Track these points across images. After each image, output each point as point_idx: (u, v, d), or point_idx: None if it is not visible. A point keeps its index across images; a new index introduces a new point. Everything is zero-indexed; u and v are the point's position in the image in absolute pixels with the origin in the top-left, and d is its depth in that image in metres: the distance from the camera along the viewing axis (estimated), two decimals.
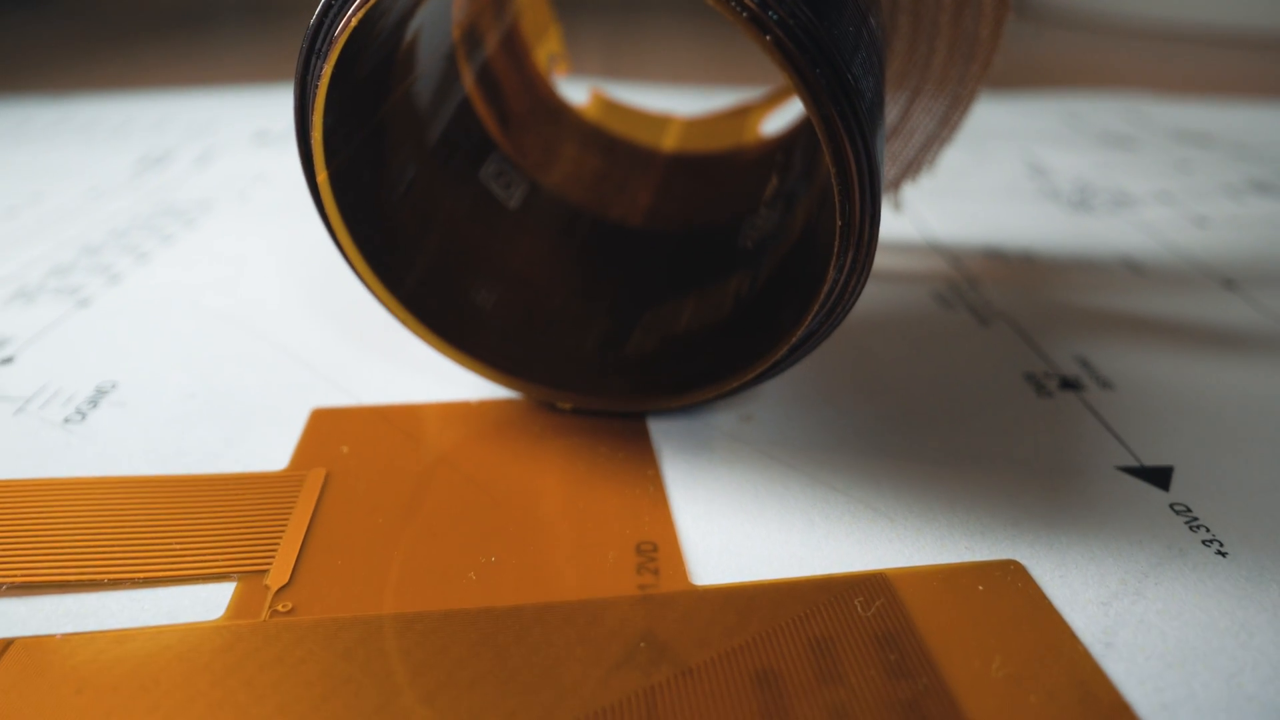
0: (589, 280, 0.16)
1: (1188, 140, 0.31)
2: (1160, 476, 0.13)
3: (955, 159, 0.29)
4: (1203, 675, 0.09)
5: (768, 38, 0.10)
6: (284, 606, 0.10)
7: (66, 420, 0.14)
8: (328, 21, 0.11)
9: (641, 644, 0.10)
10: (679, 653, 0.10)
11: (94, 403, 0.15)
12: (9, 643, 0.10)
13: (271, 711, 0.09)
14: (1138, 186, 0.26)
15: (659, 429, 0.14)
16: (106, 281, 0.19)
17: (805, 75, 0.10)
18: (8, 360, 0.16)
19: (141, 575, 0.11)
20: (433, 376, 0.15)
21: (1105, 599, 0.10)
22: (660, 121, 0.20)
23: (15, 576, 0.11)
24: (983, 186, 0.26)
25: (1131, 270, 0.20)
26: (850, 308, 0.12)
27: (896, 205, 0.19)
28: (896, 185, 0.17)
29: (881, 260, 0.20)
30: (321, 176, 0.12)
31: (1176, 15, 0.53)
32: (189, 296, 0.19)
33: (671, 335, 0.15)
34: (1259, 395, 0.15)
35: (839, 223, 0.11)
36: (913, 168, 0.17)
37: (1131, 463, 0.13)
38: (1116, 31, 0.54)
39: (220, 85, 0.40)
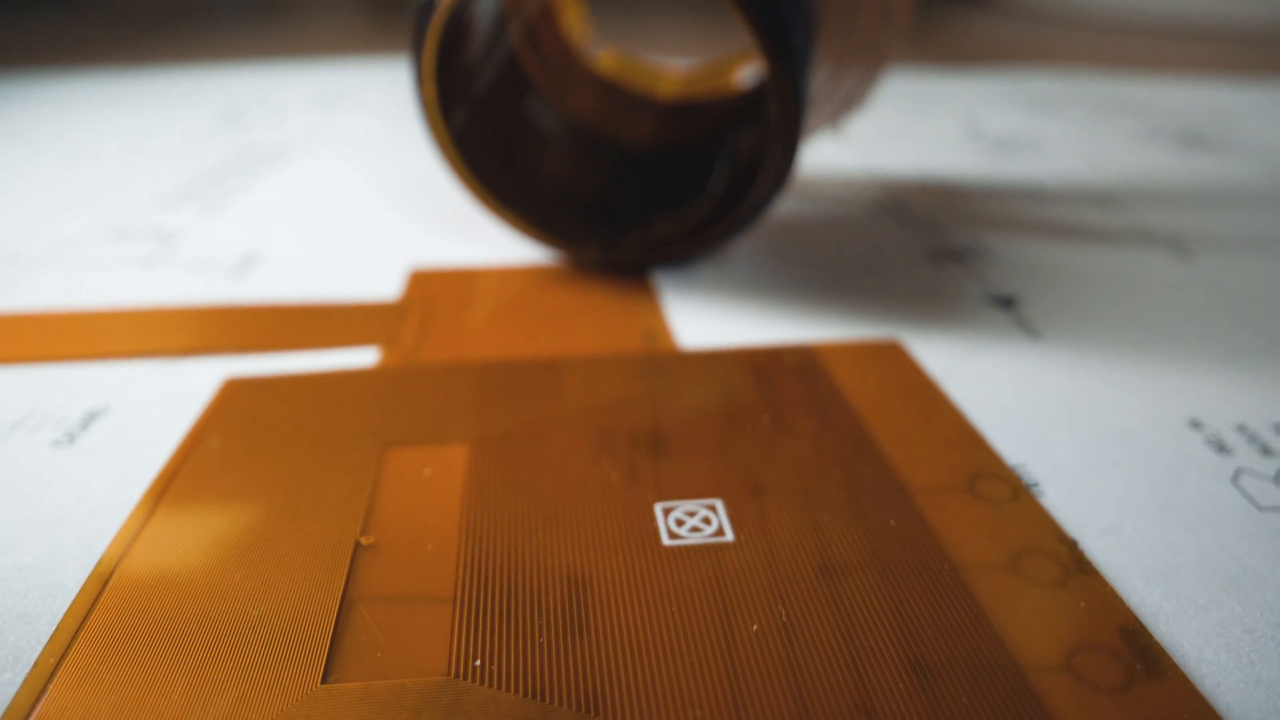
0: (601, 190, 0.22)
1: (1107, 105, 0.37)
2: (1007, 302, 0.18)
3: (903, 119, 0.34)
4: (1003, 388, 0.15)
5: None
6: (414, 358, 0.16)
7: (229, 274, 0.20)
8: None
9: (646, 369, 0.15)
10: (671, 373, 0.15)
11: (246, 264, 0.20)
12: (234, 380, 0.15)
13: (416, 403, 0.14)
14: (1053, 137, 0.32)
15: (658, 278, 0.19)
16: (225, 194, 0.25)
17: (753, 20, 0.15)
18: (170, 237, 0.21)
19: (313, 344, 0.16)
20: (493, 249, 0.21)
21: (951, 357, 0.16)
22: (658, 74, 0.25)
23: (229, 345, 0.16)
24: (924, 138, 0.32)
25: (1030, 195, 0.26)
26: (784, 183, 0.17)
27: (836, 133, 0.24)
28: (835, 118, 0.23)
29: (828, 189, 0.26)
30: (429, 92, 0.18)
31: (1127, 6, 0.58)
32: (296, 200, 0.24)
33: (653, 239, 0.20)
34: (1099, 264, 0.20)
35: (776, 113, 0.16)
36: (846, 103, 0.22)
37: (988, 294, 0.18)
38: (1074, 23, 0.60)
39: (259, 60, 0.45)
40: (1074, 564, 0.11)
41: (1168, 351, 0.16)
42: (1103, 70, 0.44)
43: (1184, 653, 0.10)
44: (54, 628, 0.10)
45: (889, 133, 0.32)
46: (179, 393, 0.15)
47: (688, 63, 0.40)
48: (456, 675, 0.09)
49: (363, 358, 0.16)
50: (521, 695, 0.09)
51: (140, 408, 0.14)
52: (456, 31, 0.19)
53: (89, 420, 0.14)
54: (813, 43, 0.18)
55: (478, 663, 0.09)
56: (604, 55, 0.25)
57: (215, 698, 0.09)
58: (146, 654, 0.09)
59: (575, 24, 0.25)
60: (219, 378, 0.15)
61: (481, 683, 0.09)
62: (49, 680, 0.09)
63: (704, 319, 0.17)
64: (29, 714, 0.09)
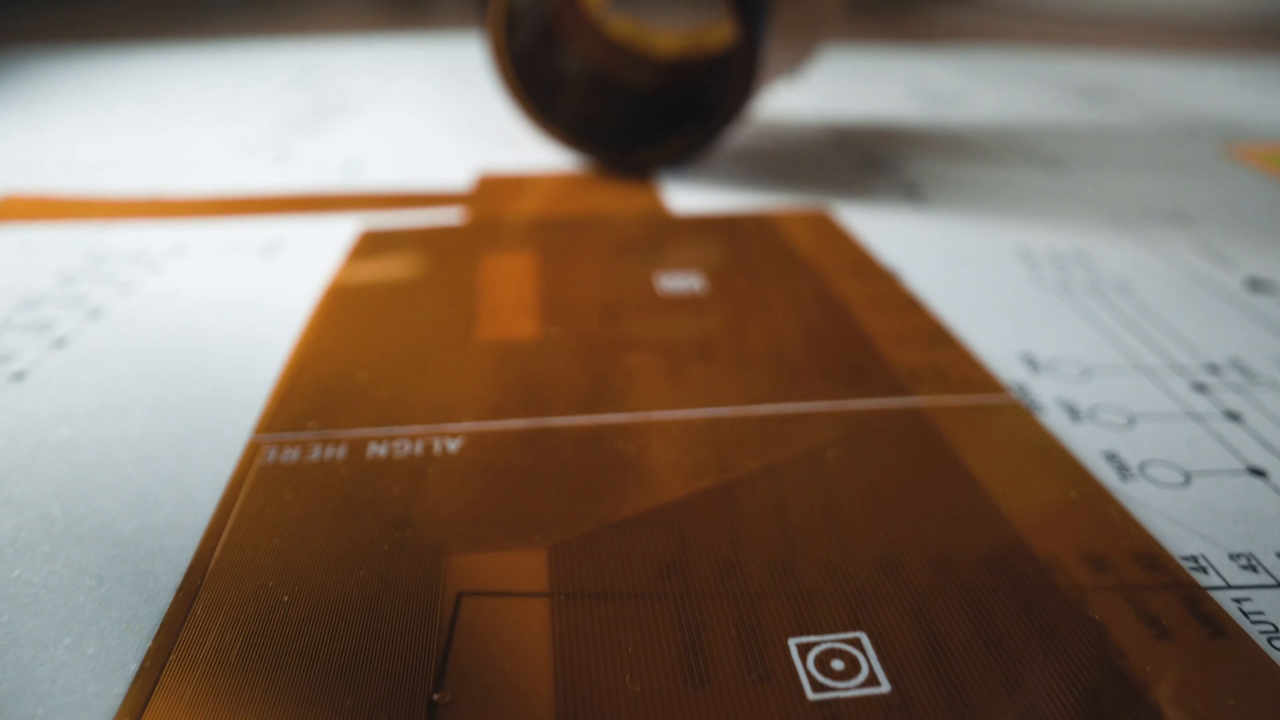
0: (614, 120, 0.29)
1: (1030, 70, 0.44)
2: (909, 188, 0.25)
3: (856, 86, 0.41)
4: (893, 234, 0.22)
5: None
6: (489, 218, 0.23)
7: (340, 172, 0.26)
8: None
9: (651, 222, 0.22)
10: (669, 226, 0.22)
11: (351, 167, 0.27)
12: (369, 232, 0.22)
13: (493, 239, 0.21)
14: (978, 94, 0.39)
15: (660, 179, 0.26)
16: (319, 126, 0.32)
17: None
18: (287, 150, 0.28)
19: (417, 205, 0.23)
20: (536, 160, 0.28)
21: (861, 217, 0.23)
22: (657, 35, 0.32)
23: (353, 208, 0.23)
24: (871, 95, 0.38)
25: (947, 132, 0.33)
26: (739, 111, 0.24)
27: (791, 83, 0.31)
28: (788, 71, 0.30)
29: (787, 131, 0.33)
30: (499, 38, 0.24)
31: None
32: (377, 131, 0.31)
33: (654, 150, 0.27)
34: (986, 173, 0.27)
35: (740, 62, 0.23)
36: (796, 60, 0.29)
37: (895, 184, 0.25)
38: (1025, 12, 0.67)
39: (305, 37, 0.52)
40: (911, 303, 0.18)
41: (1016, 215, 0.23)
42: (1035, 46, 0.51)
43: (974, 342, 0.17)
44: (301, 329, 0.17)
45: (843, 91, 0.39)
46: (329, 237, 0.22)
47: (679, 28, 0.47)
48: (542, 338, 0.16)
49: (451, 217, 0.23)
50: (579, 343, 0.16)
51: (305, 243, 0.21)
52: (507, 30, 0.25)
53: (271, 248, 0.21)
54: (770, 14, 0.25)
55: (553, 330, 0.16)
56: (616, 20, 0.32)
57: (400, 344, 0.16)
58: (358, 322, 0.16)
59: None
60: (355, 230, 0.22)
61: (558, 340, 0.16)
62: (301, 342, 0.16)
63: (691, 201, 0.24)
64: (290, 356, 0.16)
